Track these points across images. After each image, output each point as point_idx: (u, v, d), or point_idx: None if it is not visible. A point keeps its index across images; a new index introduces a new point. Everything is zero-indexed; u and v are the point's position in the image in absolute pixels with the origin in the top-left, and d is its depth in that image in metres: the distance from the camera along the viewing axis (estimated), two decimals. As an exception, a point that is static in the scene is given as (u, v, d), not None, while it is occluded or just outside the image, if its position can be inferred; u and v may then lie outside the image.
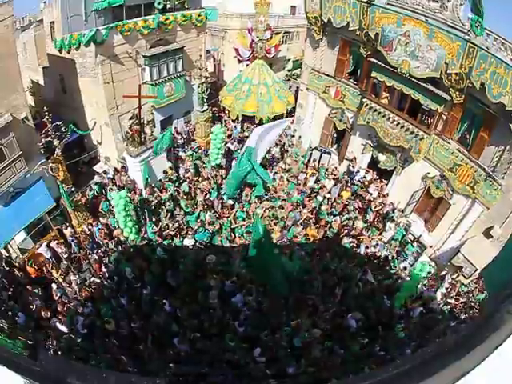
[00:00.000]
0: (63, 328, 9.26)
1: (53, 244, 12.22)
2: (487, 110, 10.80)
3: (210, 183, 13.75)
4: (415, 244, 13.19)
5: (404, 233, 13.53)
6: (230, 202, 13.22)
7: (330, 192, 14.27)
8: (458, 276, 11.72)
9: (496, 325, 1.42)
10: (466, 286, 11.49)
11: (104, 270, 11.31)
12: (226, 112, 19.23)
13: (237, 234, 12.12)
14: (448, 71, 10.87)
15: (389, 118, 13.46)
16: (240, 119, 18.33)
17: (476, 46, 9.76)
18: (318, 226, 12.75)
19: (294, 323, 8.96)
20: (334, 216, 13.17)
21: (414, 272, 10.19)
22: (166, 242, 11.69)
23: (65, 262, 11.65)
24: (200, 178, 14.22)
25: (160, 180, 14.16)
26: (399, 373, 1.34)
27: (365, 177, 15.39)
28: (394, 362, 1.39)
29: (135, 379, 1.41)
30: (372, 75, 13.51)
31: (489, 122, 11.08)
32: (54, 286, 10.72)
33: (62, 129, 12.69)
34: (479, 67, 9.97)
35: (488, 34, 9.76)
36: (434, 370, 1.30)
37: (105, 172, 15.33)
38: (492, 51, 9.58)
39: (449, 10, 10.38)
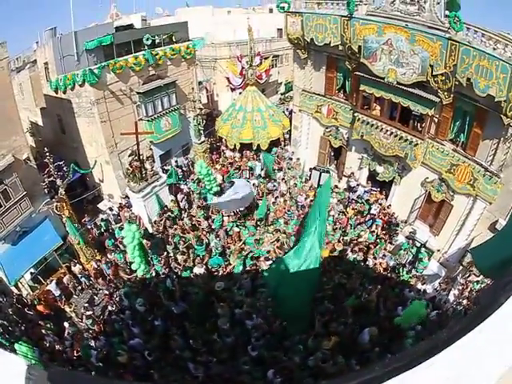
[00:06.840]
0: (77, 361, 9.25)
1: (65, 279, 12.36)
2: (477, 104, 10.79)
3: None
4: (425, 260, 12.87)
5: (410, 245, 13.40)
6: (236, 229, 13.26)
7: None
8: (469, 276, 11.59)
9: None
10: (478, 282, 11.28)
11: (115, 304, 11.34)
12: (224, 141, 19.19)
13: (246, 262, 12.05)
14: (434, 73, 10.96)
15: (381, 128, 13.56)
16: (238, 147, 18.21)
17: (457, 42, 9.81)
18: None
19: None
20: (339, 231, 13.24)
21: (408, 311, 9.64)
22: (174, 275, 11.71)
23: (75, 297, 11.71)
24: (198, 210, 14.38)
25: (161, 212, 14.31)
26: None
27: (366, 191, 15.44)
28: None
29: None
30: (361, 88, 13.69)
31: (480, 117, 11.09)
32: (66, 324, 10.75)
33: (64, 168, 12.92)
34: (463, 63, 10.00)
35: (468, 27, 9.79)
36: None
37: (110, 209, 15.51)
38: (474, 45, 9.61)
39: (426, 10, 10.51)
